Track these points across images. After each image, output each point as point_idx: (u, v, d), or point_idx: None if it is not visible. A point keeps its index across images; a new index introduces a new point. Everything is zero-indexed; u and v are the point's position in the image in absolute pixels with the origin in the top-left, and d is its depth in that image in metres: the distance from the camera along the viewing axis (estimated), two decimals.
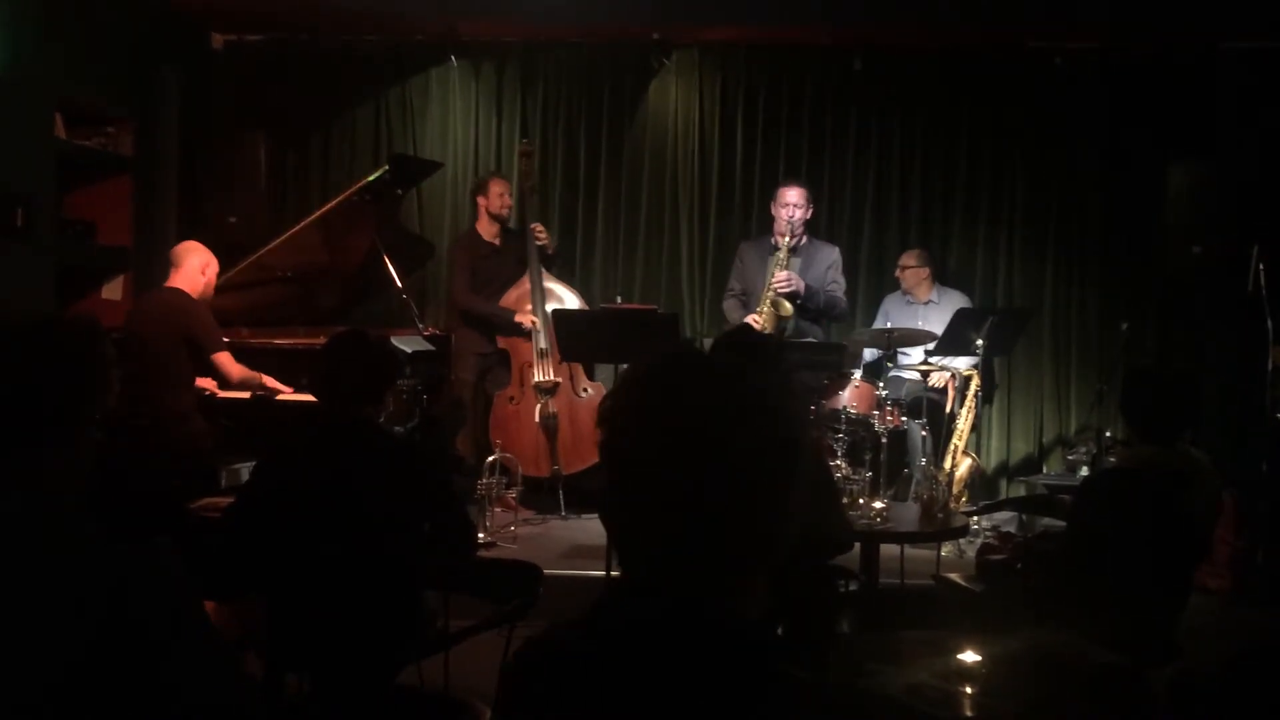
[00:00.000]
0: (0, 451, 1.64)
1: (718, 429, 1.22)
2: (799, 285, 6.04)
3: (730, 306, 6.45)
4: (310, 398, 5.13)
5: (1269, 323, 5.60)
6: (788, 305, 5.99)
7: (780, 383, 1.29)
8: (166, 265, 5.22)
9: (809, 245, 6.31)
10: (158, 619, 1.54)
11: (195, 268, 5.10)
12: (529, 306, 6.35)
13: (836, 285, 6.30)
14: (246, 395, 5.21)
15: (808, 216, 6.25)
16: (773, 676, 1.20)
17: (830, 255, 6.34)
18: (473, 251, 6.52)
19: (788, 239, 6.10)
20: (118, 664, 1.50)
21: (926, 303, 6.64)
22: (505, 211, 6.56)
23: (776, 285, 6.01)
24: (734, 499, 1.21)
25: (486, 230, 6.58)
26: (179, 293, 5.05)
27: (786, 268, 6.08)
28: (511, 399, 6.40)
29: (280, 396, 5.23)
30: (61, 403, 1.69)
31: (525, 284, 6.43)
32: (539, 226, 6.53)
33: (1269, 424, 5.53)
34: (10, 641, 1.49)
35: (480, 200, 6.57)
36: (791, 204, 6.15)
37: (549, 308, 6.21)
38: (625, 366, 4.95)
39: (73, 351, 1.71)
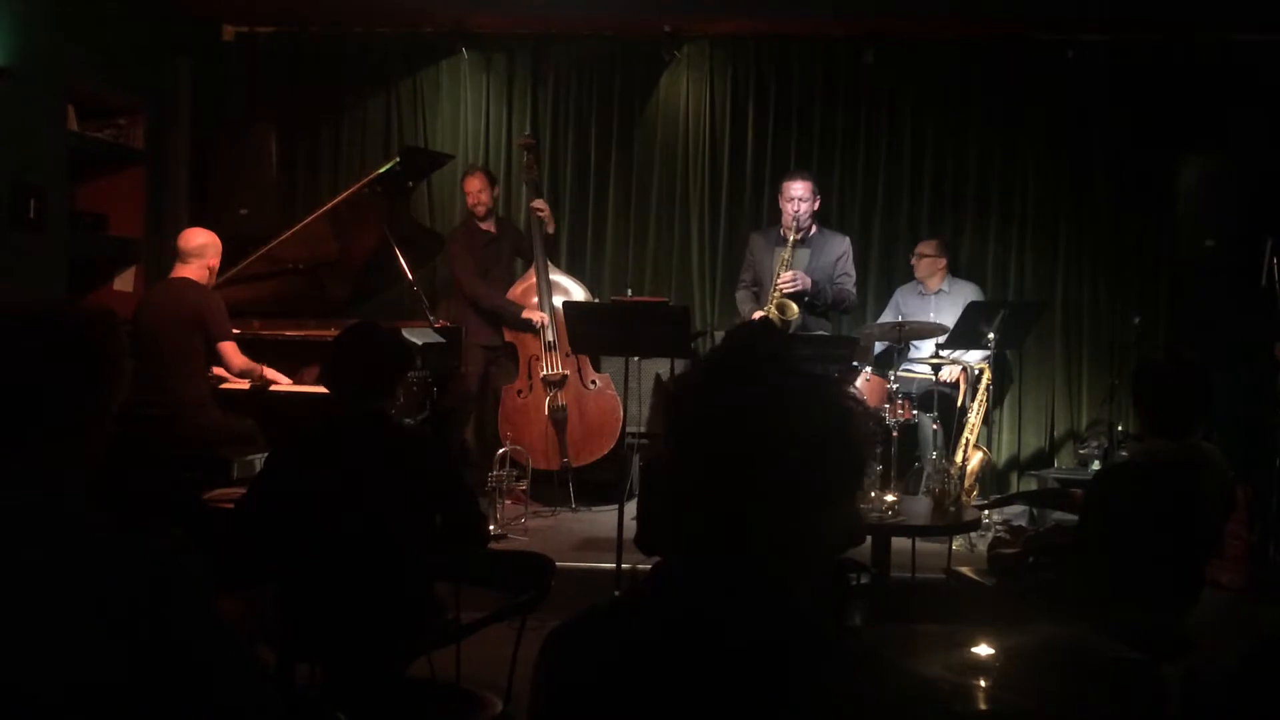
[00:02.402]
0: (14, 443, 1.64)
1: (792, 430, 1.28)
2: (805, 284, 5.92)
3: (742, 298, 6.39)
4: (307, 388, 5.22)
5: None
6: (794, 307, 5.86)
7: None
8: (174, 251, 5.23)
9: (818, 235, 6.19)
10: (176, 614, 1.54)
11: (202, 260, 5.14)
12: (535, 300, 6.33)
13: (846, 277, 6.18)
14: (245, 385, 5.24)
15: (815, 208, 6.12)
16: (830, 658, 1.24)
17: (840, 245, 6.22)
18: (469, 240, 6.49)
19: (795, 233, 5.98)
20: (136, 659, 1.50)
21: (937, 292, 6.61)
22: (481, 209, 6.48)
23: (782, 285, 5.89)
24: (800, 497, 1.27)
25: (480, 220, 6.55)
26: (191, 283, 5.09)
27: (794, 260, 5.98)
28: (520, 392, 6.38)
29: (275, 387, 5.25)
30: (76, 394, 1.68)
31: (531, 277, 6.39)
32: (540, 203, 6.46)
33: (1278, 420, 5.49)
34: (28, 638, 1.49)
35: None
36: (796, 197, 6.00)
37: (556, 300, 6.19)
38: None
39: (88, 342, 1.71)
